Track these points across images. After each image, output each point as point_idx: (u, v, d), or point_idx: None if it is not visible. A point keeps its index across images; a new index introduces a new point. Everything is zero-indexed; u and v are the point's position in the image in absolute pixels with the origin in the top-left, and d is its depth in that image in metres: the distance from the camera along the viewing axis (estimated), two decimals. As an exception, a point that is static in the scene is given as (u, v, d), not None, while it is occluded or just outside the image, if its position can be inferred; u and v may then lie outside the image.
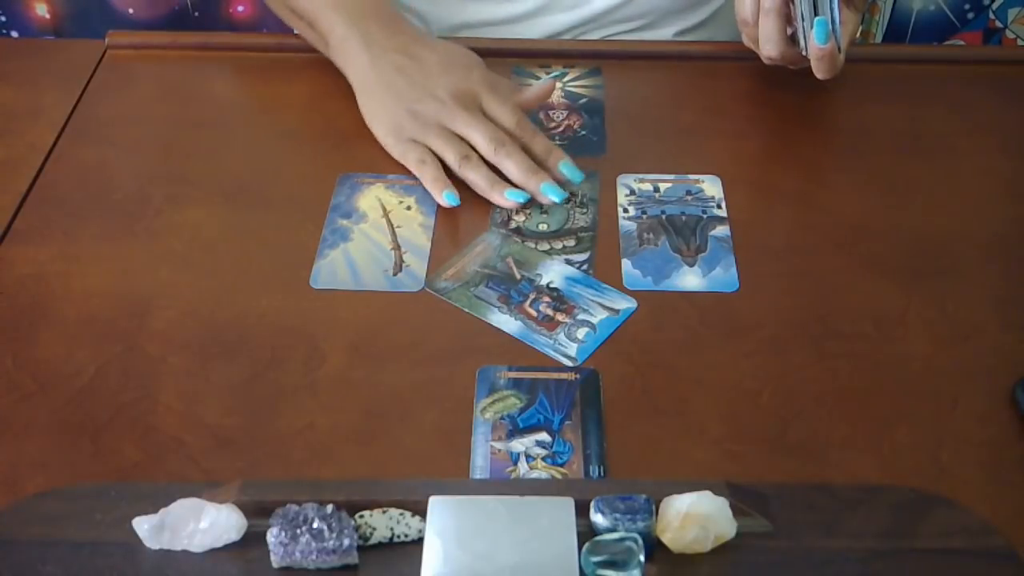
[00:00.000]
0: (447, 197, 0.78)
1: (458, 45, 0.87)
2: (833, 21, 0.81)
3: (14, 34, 1.37)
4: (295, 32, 0.97)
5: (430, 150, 0.81)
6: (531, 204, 0.79)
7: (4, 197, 0.80)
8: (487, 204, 0.80)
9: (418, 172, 0.80)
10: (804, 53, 0.84)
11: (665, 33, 1.03)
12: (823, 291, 0.73)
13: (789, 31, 0.84)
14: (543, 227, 0.78)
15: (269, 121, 0.90)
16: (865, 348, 0.69)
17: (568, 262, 0.75)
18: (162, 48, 0.96)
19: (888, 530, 0.55)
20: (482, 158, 0.80)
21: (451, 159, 0.80)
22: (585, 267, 0.74)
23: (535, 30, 1.01)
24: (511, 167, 0.79)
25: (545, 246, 0.76)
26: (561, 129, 0.87)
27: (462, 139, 0.81)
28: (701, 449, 0.63)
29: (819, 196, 0.81)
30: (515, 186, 0.79)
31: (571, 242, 0.76)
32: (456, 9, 1.02)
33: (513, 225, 0.78)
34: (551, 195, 0.78)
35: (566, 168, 0.79)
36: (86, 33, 1.30)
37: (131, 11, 1.33)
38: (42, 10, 1.34)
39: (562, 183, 0.79)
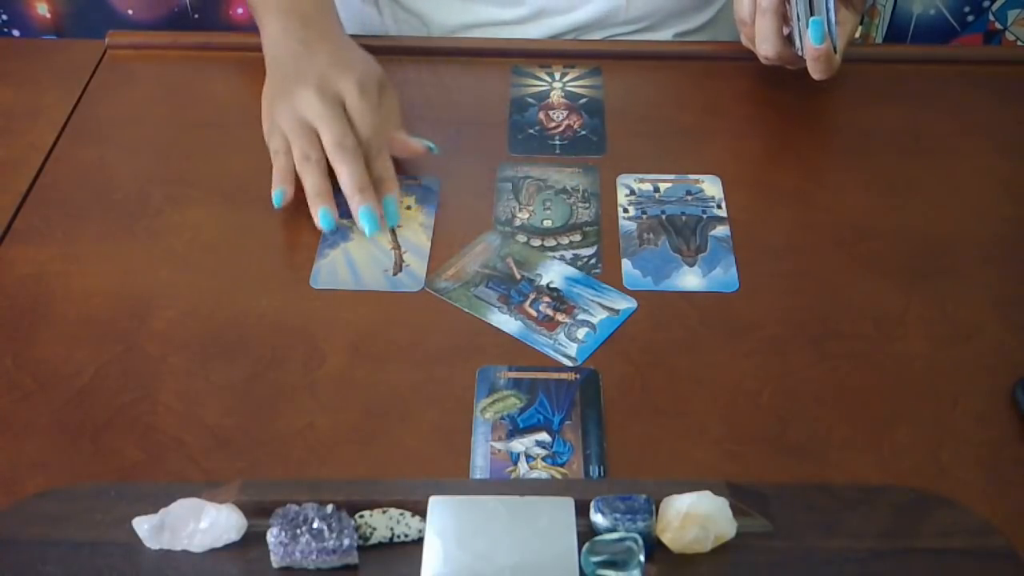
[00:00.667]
0: (276, 195, 0.76)
1: (364, 51, 0.85)
2: (829, 22, 0.81)
3: (15, 33, 1.37)
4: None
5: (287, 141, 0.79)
6: (533, 200, 0.79)
7: (4, 197, 0.80)
8: (487, 204, 0.80)
9: (273, 161, 0.78)
10: (800, 53, 0.84)
11: (665, 36, 1.03)
12: (823, 291, 0.73)
13: (786, 31, 0.84)
14: (547, 223, 0.78)
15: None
16: (865, 348, 0.69)
17: (576, 257, 0.75)
18: (162, 48, 0.96)
19: (888, 530, 0.55)
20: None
21: (296, 154, 0.77)
22: (593, 261, 0.74)
23: (535, 33, 1.01)
24: (344, 174, 0.75)
25: (552, 242, 0.76)
26: (561, 129, 0.87)
27: (316, 138, 0.78)
28: (701, 449, 0.63)
29: (819, 196, 0.81)
30: (338, 205, 0.76)
31: (577, 237, 0.76)
32: (456, 11, 1.02)
33: (517, 222, 0.78)
34: (365, 221, 0.74)
35: (389, 203, 0.76)
36: (86, 33, 1.30)
37: (131, 12, 1.33)
38: (43, 9, 1.34)
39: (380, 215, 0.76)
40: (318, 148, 0.77)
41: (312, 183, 0.76)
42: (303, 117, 0.78)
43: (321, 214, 0.75)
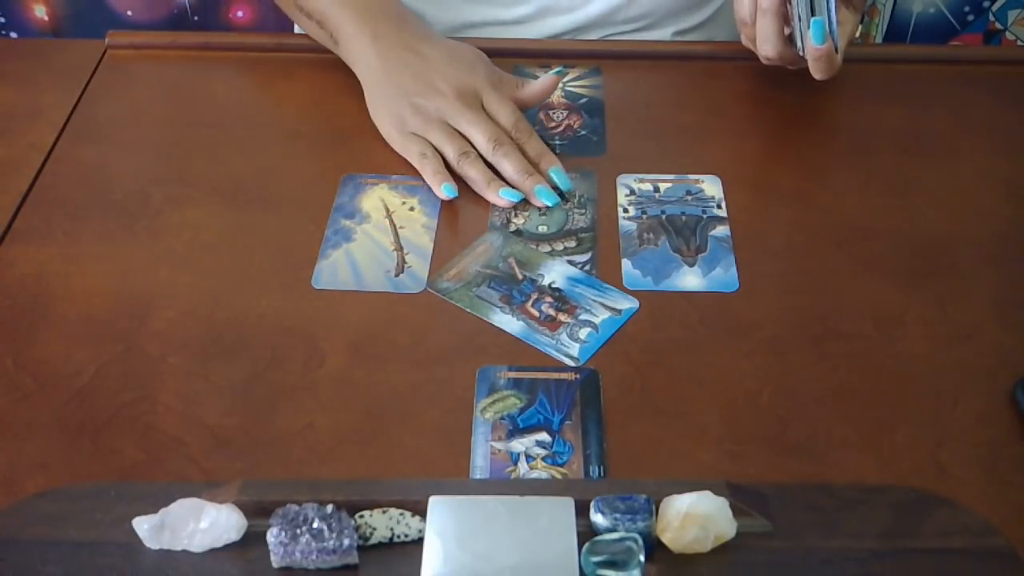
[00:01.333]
0: (445, 190, 0.79)
1: (463, 43, 0.88)
2: (830, 22, 0.81)
3: (13, 35, 1.37)
4: (300, 31, 0.97)
5: (431, 144, 0.81)
6: (529, 206, 0.79)
7: (4, 197, 0.80)
8: (487, 205, 0.80)
9: (419, 165, 0.81)
10: (801, 53, 0.84)
11: (664, 34, 1.03)
12: (823, 291, 0.73)
13: (787, 31, 0.84)
14: (543, 229, 0.78)
15: (269, 121, 0.90)
16: (865, 348, 0.69)
17: (570, 263, 0.75)
18: (162, 48, 0.96)
19: (888, 530, 0.55)
20: (480, 156, 0.81)
21: (450, 154, 0.81)
22: (588, 268, 0.74)
23: (536, 32, 1.01)
24: (507, 167, 0.80)
25: (546, 248, 0.76)
26: (561, 129, 0.87)
27: (462, 135, 0.81)
28: (701, 449, 0.63)
29: (819, 196, 0.81)
30: (510, 185, 0.80)
31: (572, 243, 0.76)
32: (458, 10, 1.02)
33: (513, 228, 0.78)
34: (543, 199, 0.79)
35: (555, 174, 0.80)
36: (84, 35, 1.30)
37: (129, 13, 1.33)
38: (41, 12, 1.34)
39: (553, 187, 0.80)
40: (470, 145, 0.81)
41: (479, 172, 0.80)
42: (447, 123, 0.82)
43: (502, 193, 0.79)
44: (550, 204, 0.79)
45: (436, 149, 0.81)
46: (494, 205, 0.80)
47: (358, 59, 0.87)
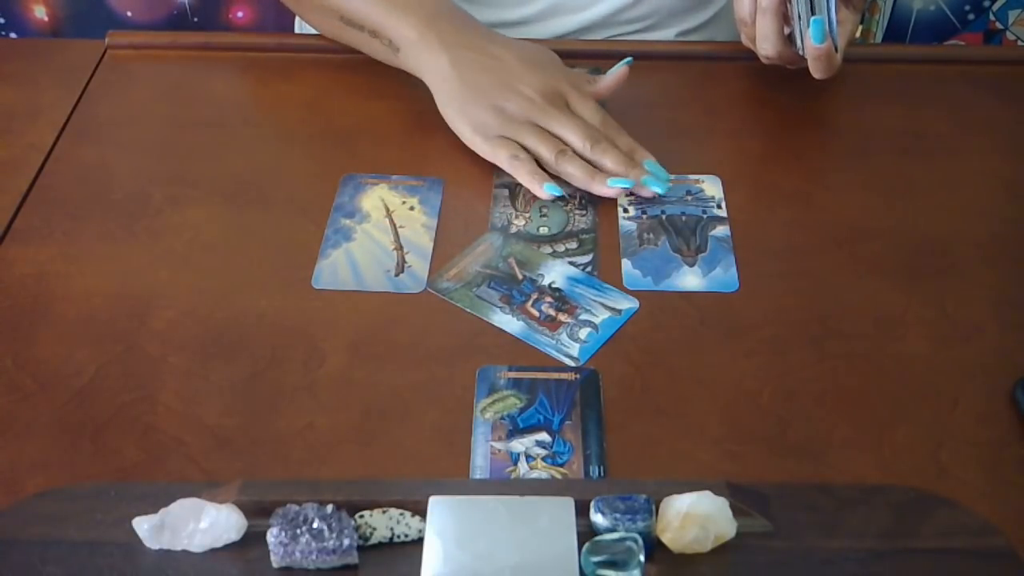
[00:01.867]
0: (548, 189, 0.79)
1: (533, 43, 0.88)
2: (830, 21, 0.81)
3: (12, 36, 1.37)
4: (300, 31, 0.96)
5: (521, 146, 0.81)
6: (529, 207, 0.79)
7: (4, 197, 0.80)
8: (487, 204, 0.80)
9: (511, 168, 0.80)
10: (801, 53, 0.84)
11: (667, 34, 1.03)
12: (823, 291, 0.73)
13: (786, 31, 0.84)
14: (544, 230, 0.78)
15: (269, 121, 0.90)
16: (865, 348, 0.69)
17: (572, 264, 0.75)
18: (162, 48, 0.96)
19: (888, 530, 0.55)
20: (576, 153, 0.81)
21: (547, 154, 0.80)
22: (589, 269, 0.74)
23: (541, 33, 1.01)
24: (608, 163, 0.79)
25: (547, 249, 0.76)
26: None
27: (551, 135, 0.81)
28: (701, 449, 0.63)
29: (819, 196, 0.81)
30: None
31: (573, 244, 0.76)
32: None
33: (513, 229, 0.78)
34: (654, 187, 0.79)
35: (650, 165, 0.80)
36: (84, 35, 1.30)
37: (129, 14, 1.33)
38: (40, 12, 1.34)
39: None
40: (563, 144, 0.80)
41: (580, 168, 0.79)
42: (535, 124, 0.81)
43: (611, 183, 0.78)
44: (661, 192, 0.79)
45: (527, 151, 0.81)
46: (494, 204, 0.79)
47: (427, 66, 0.85)
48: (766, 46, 0.85)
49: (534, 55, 0.86)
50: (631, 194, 0.80)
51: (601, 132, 0.81)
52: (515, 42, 0.87)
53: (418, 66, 0.86)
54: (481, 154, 0.82)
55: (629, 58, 0.84)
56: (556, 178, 0.80)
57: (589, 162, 0.80)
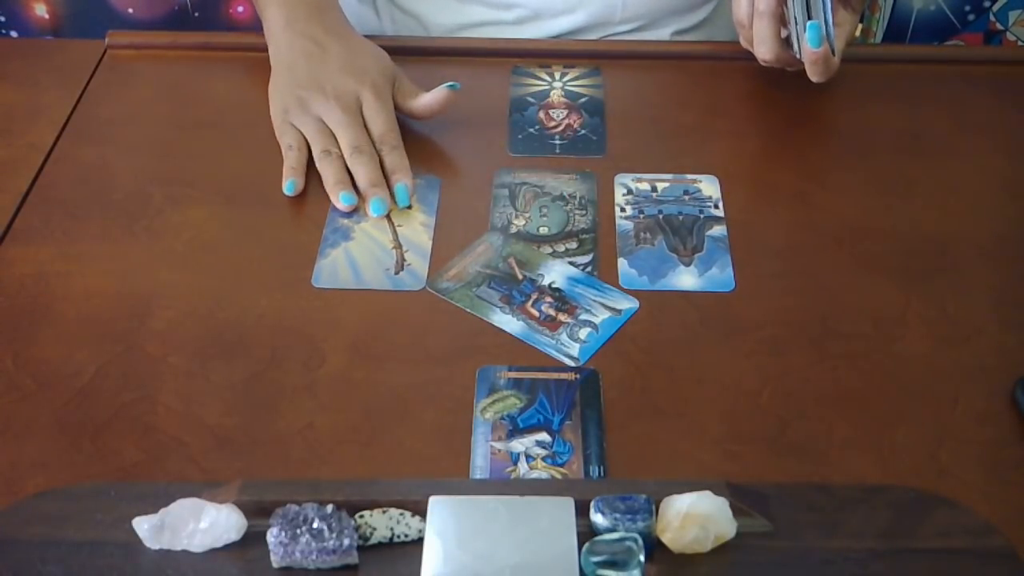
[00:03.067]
0: (290, 187, 0.80)
1: (373, 44, 0.89)
2: (827, 24, 0.81)
3: (13, 34, 1.37)
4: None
5: (304, 137, 0.84)
6: (529, 207, 0.79)
7: (4, 197, 0.80)
8: (487, 203, 0.80)
9: (284, 154, 0.83)
10: (798, 56, 0.84)
11: (663, 34, 1.03)
12: (823, 291, 0.73)
13: (784, 34, 0.84)
14: (544, 230, 0.78)
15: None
16: (865, 348, 0.69)
17: (572, 264, 0.75)
18: (162, 48, 0.96)
19: (888, 530, 0.55)
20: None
21: (315, 150, 0.83)
22: (589, 269, 0.74)
23: (531, 34, 1.01)
24: (360, 174, 0.81)
25: (547, 249, 0.76)
26: (561, 129, 0.87)
27: (331, 135, 0.83)
28: (701, 449, 0.63)
29: (818, 196, 0.81)
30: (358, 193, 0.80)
31: (573, 244, 0.76)
32: (454, 12, 1.02)
33: (513, 229, 0.78)
34: (374, 210, 0.79)
35: (400, 190, 0.80)
36: (85, 33, 1.30)
37: (131, 10, 1.33)
38: (41, 10, 1.34)
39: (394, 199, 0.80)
40: (336, 145, 0.82)
41: (333, 173, 0.81)
42: (321, 120, 0.83)
43: (342, 197, 0.79)
44: (374, 214, 0.79)
45: (306, 142, 0.83)
46: (494, 204, 0.80)
47: (270, 41, 0.89)
48: (763, 49, 0.85)
49: (359, 56, 0.87)
50: (629, 190, 0.80)
51: (370, 146, 0.82)
52: (355, 40, 0.89)
53: (268, 34, 0.90)
54: (275, 130, 0.85)
55: (455, 83, 0.85)
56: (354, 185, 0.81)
57: (350, 168, 0.81)
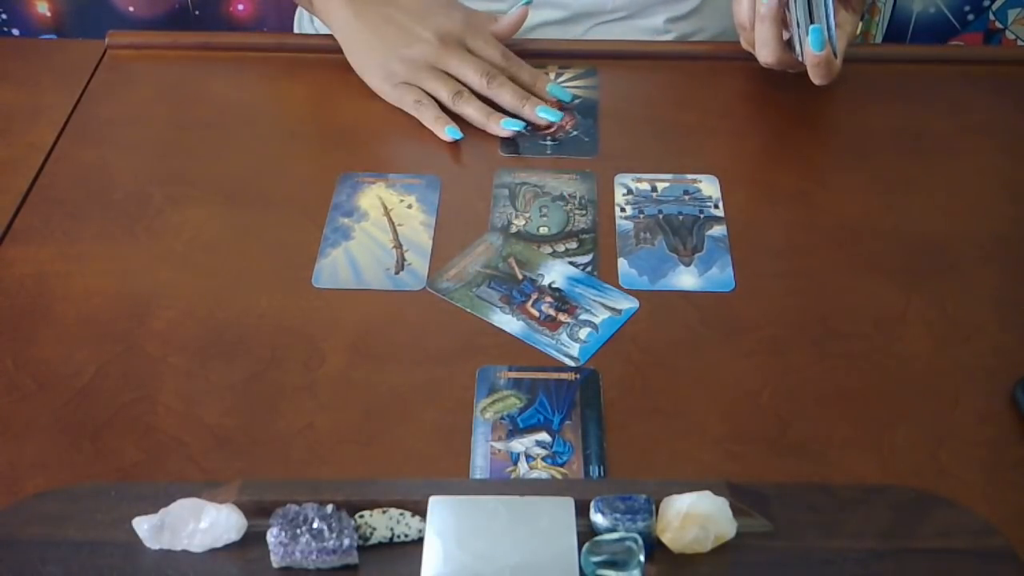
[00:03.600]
0: (449, 132, 0.82)
1: None
2: (829, 27, 0.81)
3: (15, 32, 1.37)
4: (300, 30, 0.96)
5: (424, 91, 0.84)
6: (529, 207, 0.79)
7: (4, 197, 0.80)
8: (487, 203, 0.80)
9: (416, 112, 0.84)
10: (800, 59, 0.84)
11: (656, 21, 1.02)
12: (823, 291, 0.73)
13: (785, 36, 0.84)
14: (544, 230, 0.78)
15: (269, 121, 0.90)
16: (865, 348, 0.69)
17: (572, 264, 0.75)
18: (162, 48, 0.96)
19: (888, 530, 0.55)
20: (474, 93, 0.83)
21: (445, 96, 0.83)
22: (589, 269, 0.74)
23: (526, 22, 1.00)
24: (505, 96, 0.82)
25: (547, 249, 0.76)
26: (553, 130, 0.87)
27: (452, 77, 0.84)
28: (701, 449, 0.63)
29: (818, 196, 0.81)
30: (510, 116, 0.82)
31: (573, 244, 0.76)
32: None
33: (513, 229, 0.78)
34: (547, 116, 0.81)
35: (555, 90, 0.82)
36: (87, 31, 1.31)
37: (131, 9, 1.33)
38: (43, 8, 1.34)
39: (554, 105, 0.83)
40: (462, 85, 0.84)
41: (477, 108, 0.83)
42: (433, 68, 0.84)
43: (504, 123, 0.82)
44: (553, 120, 0.81)
45: (430, 95, 0.84)
46: (494, 204, 0.79)
47: (333, 18, 0.89)
48: (765, 52, 0.85)
49: (430, 2, 0.88)
50: (629, 190, 0.80)
51: (498, 68, 0.83)
52: None
53: (327, 18, 0.90)
54: (389, 100, 0.86)
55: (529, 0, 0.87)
56: (460, 120, 0.82)
57: (490, 100, 0.82)
